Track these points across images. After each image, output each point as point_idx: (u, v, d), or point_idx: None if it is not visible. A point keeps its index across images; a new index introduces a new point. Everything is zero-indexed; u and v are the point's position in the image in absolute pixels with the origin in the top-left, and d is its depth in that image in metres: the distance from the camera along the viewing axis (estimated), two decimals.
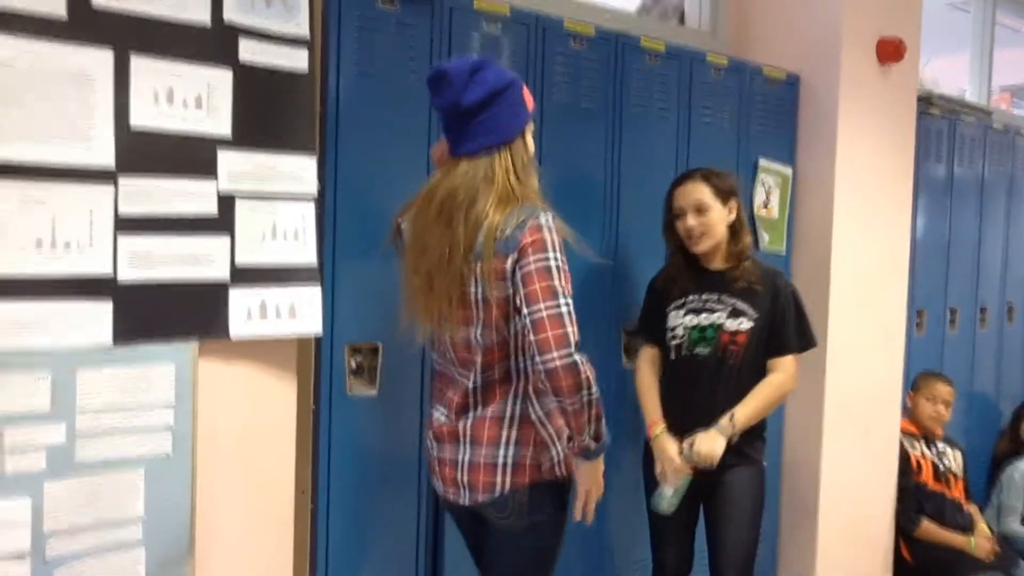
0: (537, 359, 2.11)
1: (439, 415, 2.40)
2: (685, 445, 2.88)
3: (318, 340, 2.48)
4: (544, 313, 2.11)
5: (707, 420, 2.90)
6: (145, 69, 2.07)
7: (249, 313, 2.28)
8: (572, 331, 2.12)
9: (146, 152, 2.08)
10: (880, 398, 4.09)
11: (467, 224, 2.21)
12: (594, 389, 2.15)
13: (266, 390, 2.39)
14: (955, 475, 4.31)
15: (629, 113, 3.17)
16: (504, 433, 2.29)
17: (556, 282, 2.14)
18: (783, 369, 3.00)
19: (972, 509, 4.39)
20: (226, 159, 2.22)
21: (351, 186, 2.50)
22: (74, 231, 1.99)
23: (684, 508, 2.93)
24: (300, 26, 2.33)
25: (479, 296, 2.23)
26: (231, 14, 2.20)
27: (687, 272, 3.02)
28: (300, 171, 2.35)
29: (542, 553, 2.37)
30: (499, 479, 2.29)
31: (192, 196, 2.17)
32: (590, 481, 2.34)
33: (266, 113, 2.29)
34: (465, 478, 2.32)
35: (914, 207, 4.28)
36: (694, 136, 3.40)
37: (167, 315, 2.14)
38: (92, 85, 2.00)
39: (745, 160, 3.60)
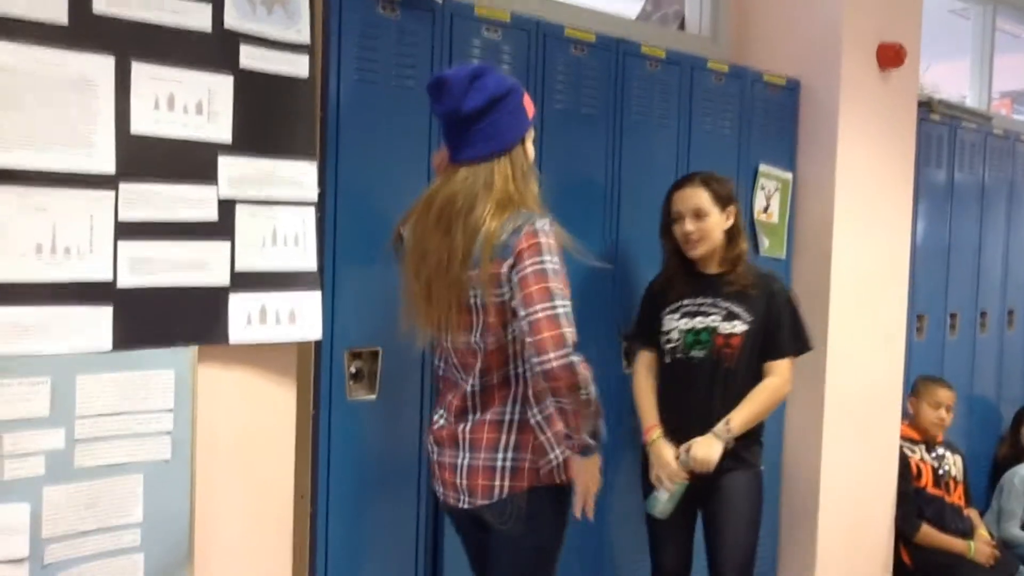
0: (534, 360, 2.11)
1: (439, 419, 2.42)
2: (681, 451, 2.89)
3: (318, 345, 2.48)
4: (540, 315, 2.11)
5: (703, 423, 2.91)
6: (146, 75, 2.08)
7: (249, 318, 2.28)
8: (569, 332, 2.12)
9: (147, 158, 2.09)
10: (880, 402, 4.09)
11: (465, 231, 2.22)
12: (591, 388, 2.16)
13: (265, 395, 2.40)
14: (955, 480, 4.30)
15: (630, 119, 3.18)
16: (503, 437, 2.30)
17: (552, 284, 2.14)
18: (778, 373, 3.01)
19: (972, 514, 4.39)
20: (226, 164, 2.22)
21: (351, 191, 2.50)
22: (74, 236, 1.99)
23: (682, 511, 2.94)
24: (301, 32, 2.34)
25: (478, 302, 2.24)
26: (232, 20, 2.21)
27: (682, 276, 3.03)
28: (300, 176, 2.36)
29: (542, 556, 2.37)
30: (498, 483, 2.29)
31: (192, 201, 2.17)
32: (588, 477, 2.33)
33: (267, 119, 2.29)
34: (464, 482, 2.33)
35: (914, 212, 4.28)
36: (695, 142, 3.41)
37: (167, 320, 2.15)
38: (93, 91, 2.01)
39: (745, 165, 3.60)
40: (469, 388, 2.33)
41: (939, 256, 4.62)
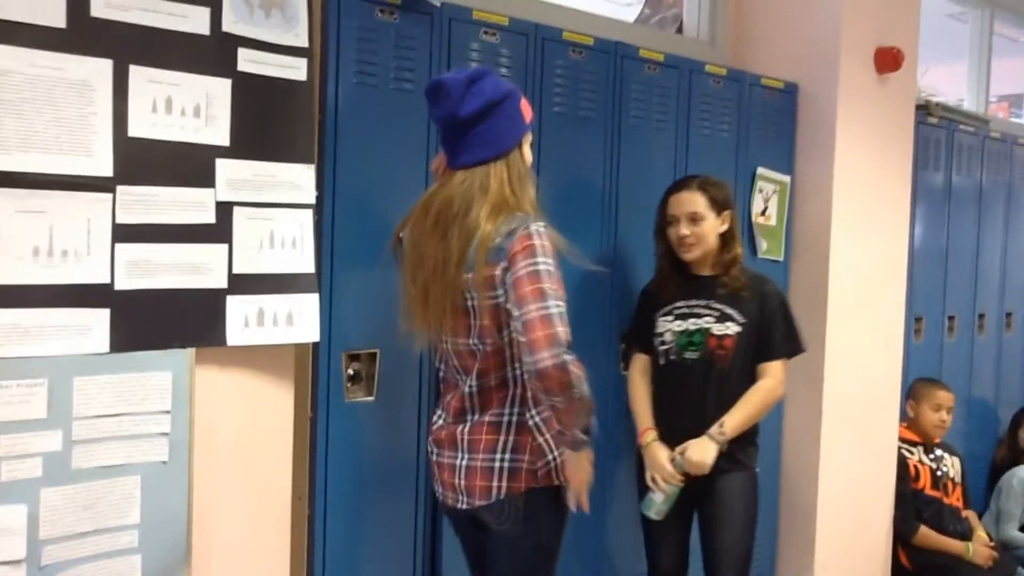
0: (527, 359, 2.12)
1: (438, 419, 2.43)
2: (676, 453, 2.91)
3: (316, 347, 2.48)
4: (534, 314, 2.11)
5: (697, 424, 2.93)
6: (144, 78, 2.09)
7: (246, 321, 2.29)
8: (562, 331, 2.11)
9: (144, 161, 2.10)
10: (878, 404, 4.09)
11: (461, 234, 2.23)
12: (584, 387, 2.15)
13: (263, 397, 2.40)
14: (953, 481, 4.31)
15: (628, 123, 3.18)
16: (501, 439, 2.31)
17: (546, 285, 2.14)
18: (772, 375, 3.02)
19: (970, 515, 4.40)
20: (224, 168, 2.23)
21: (349, 195, 2.51)
22: (72, 239, 2.00)
23: (677, 512, 2.95)
24: (299, 36, 2.34)
25: (474, 305, 2.24)
26: (230, 24, 2.22)
27: (675, 278, 3.05)
28: (298, 180, 2.36)
29: (540, 558, 2.37)
30: (495, 484, 2.30)
31: (190, 204, 2.18)
32: (580, 471, 2.32)
33: (265, 122, 2.30)
34: (462, 483, 2.34)
35: (912, 215, 4.29)
36: (693, 146, 3.41)
37: (164, 323, 2.16)
38: (91, 94, 2.01)
39: (744, 169, 3.61)
40: (467, 389, 2.34)
41: (937, 258, 4.62)
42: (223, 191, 2.23)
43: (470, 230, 2.22)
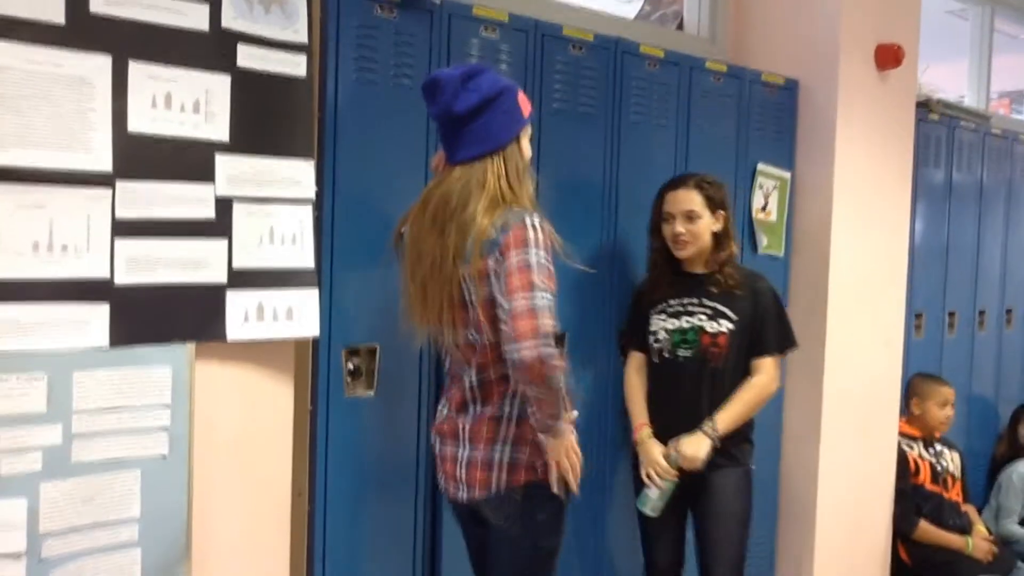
0: (508, 347, 2.13)
1: (442, 411, 2.45)
2: (670, 448, 2.92)
3: (315, 342, 2.49)
4: (520, 305, 2.12)
5: (692, 422, 2.94)
6: (143, 75, 2.10)
7: (246, 316, 2.29)
8: (546, 323, 2.12)
9: (144, 156, 2.10)
10: (879, 400, 4.09)
11: (458, 229, 2.23)
12: (560, 380, 2.16)
13: (263, 392, 2.41)
14: (953, 476, 4.31)
15: (628, 119, 3.18)
16: (501, 432, 2.32)
17: (535, 277, 2.15)
18: (765, 371, 3.03)
19: (970, 510, 4.40)
20: (224, 163, 2.24)
21: (349, 190, 2.51)
22: (72, 235, 2.01)
23: (673, 508, 2.96)
24: (298, 32, 2.35)
25: (471, 298, 2.25)
26: (230, 20, 2.22)
27: (668, 276, 3.06)
28: (298, 175, 2.37)
29: (540, 553, 2.38)
30: (494, 477, 2.31)
31: (190, 200, 2.19)
32: (560, 453, 2.30)
33: (264, 118, 2.31)
34: (463, 474, 2.35)
35: (913, 212, 4.29)
36: (693, 142, 3.41)
37: (164, 318, 2.16)
38: (90, 90, 2.02)
39: (744, 165, 3.60)
40: (468, 382, 2.36)
41: (937, 255, 4.62)
42: (223, 186, 2.24)
43: (467, 225, 2.23)
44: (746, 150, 3.61)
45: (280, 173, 2.33)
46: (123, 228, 2.08)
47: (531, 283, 2.14)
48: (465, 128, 2.27)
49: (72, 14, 1.98)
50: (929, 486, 4.24)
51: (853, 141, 3.81)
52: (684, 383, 3.00)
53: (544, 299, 2.14)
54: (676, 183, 3.02)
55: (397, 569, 2.72)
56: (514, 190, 2.28)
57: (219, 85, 2.21)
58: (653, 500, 2.91)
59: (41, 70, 1.95)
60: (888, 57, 3.87)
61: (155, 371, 2.16)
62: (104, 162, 2.04)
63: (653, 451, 2.95)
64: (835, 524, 3.91)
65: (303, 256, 2.38)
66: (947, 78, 5.59)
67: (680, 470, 2.91)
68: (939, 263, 4.64)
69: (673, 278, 3.06)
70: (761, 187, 3.66)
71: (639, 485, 3.01)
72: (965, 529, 4.24)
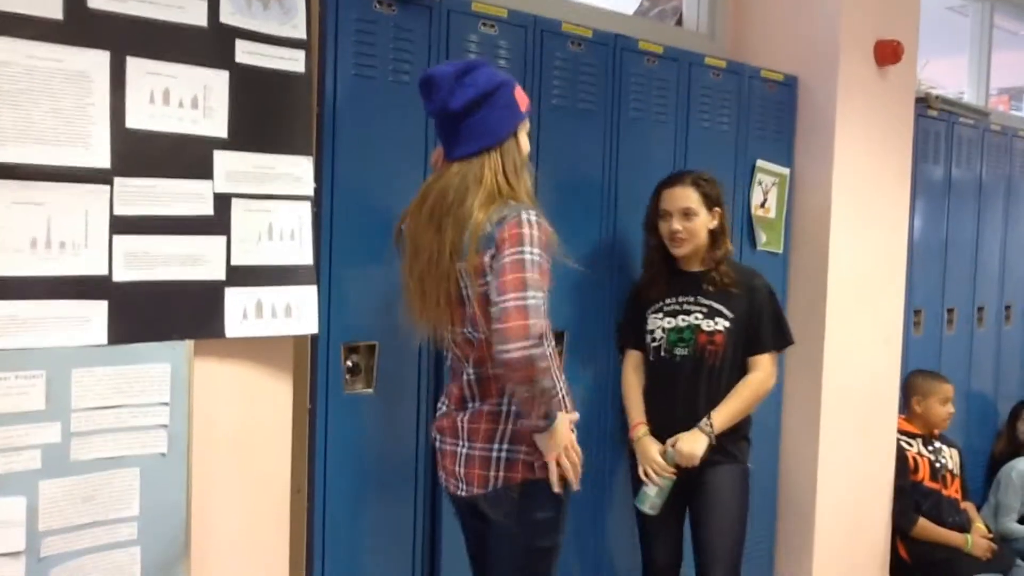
0: (497, 348, 2.12)
1: (442, 407, 2.46)
2: (668, 445, 2.93)
3: (314, 339, 2.48)
4: (510, 304, 2.12)
5: (689, 420, 2.95)
6: (141, 70, 2.08)
7: (245, 313, 2.29)
8: (535, 323, 2.11)
9: (142, 152, 2.09)
10: (878, 398, 4.09)
11: (455, 225, 2.23)
12: (547, 381, 2.16)
13: (262, 389, 2.40)
14: (952, 473, 4.32)
15: (627, 115, 3.18)
16: (499, 428, 2.32)
17: (527, 275, 2.14)
18: (761, 368, 3.04)
19: (969, 507, 4.40)
20: (222, 160, 2.23)
21: (348, 187, 2.50)
22: (70, 231, 2.00)
23: (671, 506, 2.97)
24: (297, 28, 2.34)
25: (468, 293, 2.25)
26: (228, 16, 2.21)
27: (665, 275, 3.06)
28: (296, 172, 2.36)
29: (538, 553, 2.38)
30: (492, 474, 2.31)
31: (188, 196, 2.18)
32: (553, 449, 2.29)
33: (263, 114, 2.30)
34: (462, 470, 2.36)
35: (912, 208, 4.29)
36: (692, 138, 3.41)
37: (162, 315, 2.15)
38: (88, 86, 2.01)
39: (743, 161, 3.60)
40: (466, 378, 2.36)
41: (936, 251, 4.62)
42: (221, 183, 2.23)
43: (464, 220, 2.22)
44: (745, 146, 3.61)
45: (279, 169, 2.33)
46: (121, 225, 2.07)
47: (523, 282, 2.13)
48: (462, 124, 2.26)
49: (70, 10, 1.97)
50: (928, 483, 4.24)
51: (852, 137, 3.81)
52: (681, 381, 3.00)
53: (536, 298, 2.13)
54: (672, 180, 3.02)
55: (397, 565, 2.72)
56: (512, 185, 2.28)
57: (217, 81, 2.20)
58: (651, 498, 2.92)
59: (40, 65, 1.94)
60: (887, 53, 3.87)
61: (154, 368, 2.15)
62: (102, 158, 2.03)
63: (650, 449, 2.95)
64: (834, 521, 3.91)
65: (302, 253, 2.37)
66: (946, 74, 5.59)
67: (678, 467, 2.91)
68: (938, 259, 4.64)
69: (669, 276, 3.06)
70: (760, 183, 3.66)
71: (637, 484, 3.01)
72: (964, 526, 4.24)
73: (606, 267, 3.14)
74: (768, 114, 3.70)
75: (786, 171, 3.75)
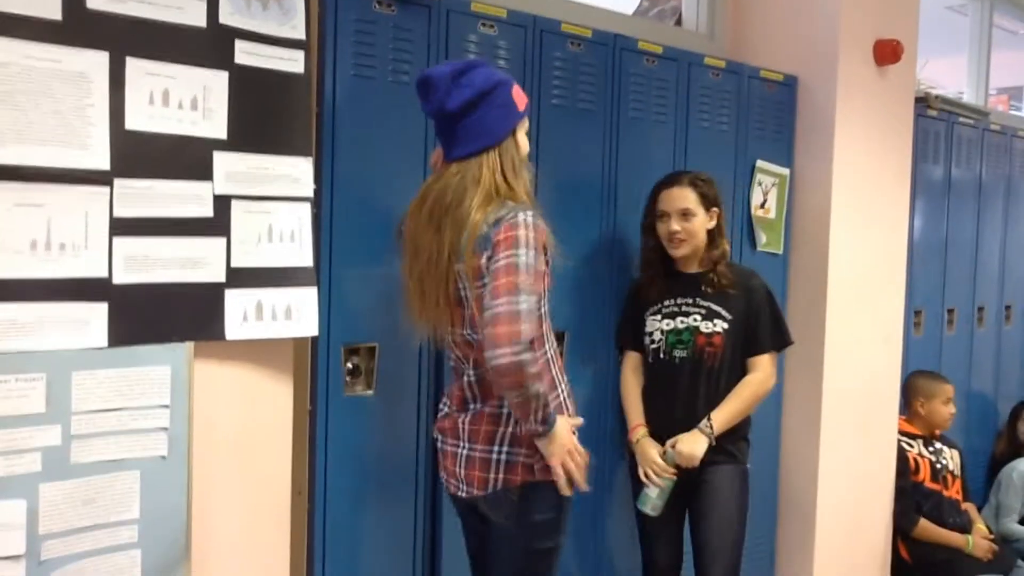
0: (487, 353, 2.12)
1: (444, 408, 2.46)
2: (667, 446, 2.93)
3: (315, 341, 2.48)
4: (501, 309, 2.11)
5: (689, 421, 2.95)
6: (140, 71, 2.08)
7: (245, 315, 2.28)
8: (525, 328, 2.10)
9: (141, 154, 2.09)
10: (878, 398, 4.09)
11: (453, 225, 2.23)
12: (538, 386, 2.15)
13: (262, 391, 2.40)
14: (952, 474, 4.31)
15: (626, 115, 3.17)
16: (499, 430, 2.32)
17: (519, 278, 2.13)
18: (760, 368, 3.04)
19: (970, 508, 4.40)
20: (222, 161, 2.22)
21: (348, 188, 2.50)
22: (69, 233, 1.99)
23: (671, 508, 2.97)
24: (296, 28, 2.33)
25: (466, 295, 2.25)
26: (227, 17, 2.21)
27: (663, 276, 3.06)
28: (296, 173, 2.35)
29: (538, 554, 2.37)
30: (492, 475, 2.31)
31: (188, 198, 2.17)
32: (555, 454, 2.29)
33: (262, 115, 2.29)
34: (462, 471, 2.36)
35: (912, 208, 4.29)
36: (692, 138, 3.40)
37: (162, 317, 2.15)
38: (88, 87, 2.00)
39: (743, 161, 3.60)
40: (467, 379, 2.36)
41: (936, 251, 4.62)
42: (221, 184, 2.22)
43: (462, 220, 2.22)
44: (745, 146, 3.60)
45: (278, 170, 2.32)
46: (121, 226, 2.06)
47: (515, 286, 2.12)
48: (459, 125, 2.26)
49: (69, 10, 1.96)
50: (929, 484, 4.24)
51: (852, 137, 3.81)
52: (680, 383, 3.00)
53: (527, 303, 2.12)
54: (670, 181, 3.02)
55: (397, 568, 2.71)
56: (510, 184, 2.28)
57: (217, 82, 2.20)
58: (653, 499, 2.92)
59: (39, 66, 1.93)
60: (887, 53, 3.87)
61: (154, 371, 2.15)
62: (102, 160, 2.02)
63: (650, 451, 2.95)
64: (835, 522, 3.90)
65: (302, 254, 2.37)
66: (946, 74, 5.60)
67: (678, 468, 2.91)
68: (938, 259, 4.64)
69: (667, 278, 3.06)
70: (760, 184, 3.65)
71: (637, 485, 3.02)
72: (965, 527, 4.24)
73: (606, 267, 3.14)
74: (768, 114, 3.70)
75: (786, 171, 3.75)
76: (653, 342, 3.04)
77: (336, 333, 2.51)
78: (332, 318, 2.49)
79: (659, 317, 3.04)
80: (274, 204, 2.32)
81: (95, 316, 2.04)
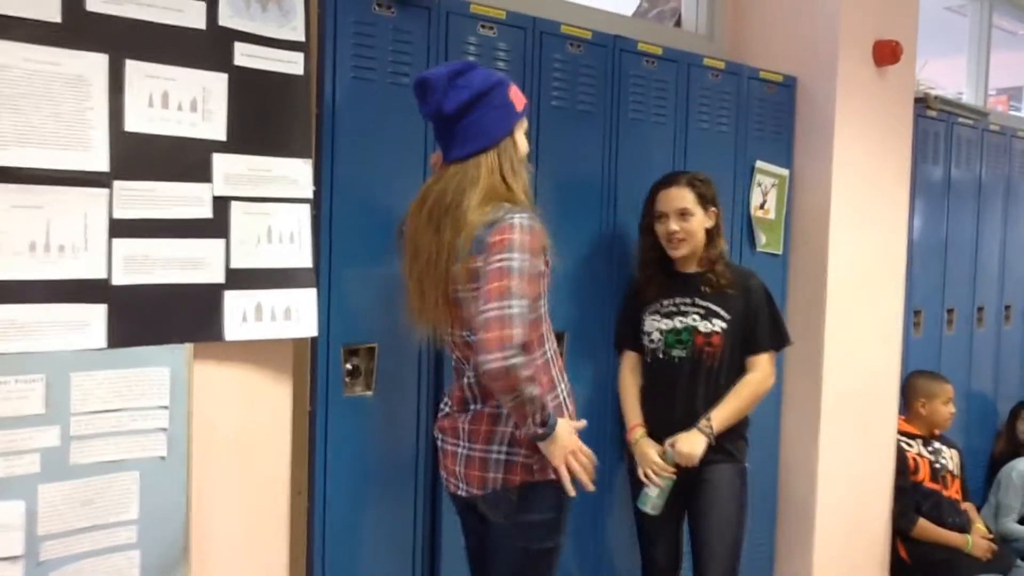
0: (478, 358, 2.11)
1: (444, 407, 2.46)
2: (667, 446, 2.93)
3: (314, 342, 2.48)
4: (492, 313, 2.10)
5: (687, 421, 2.95)
6: (140, 73, 2.08)
7: (244, 315, 2.28)
8: (516, 332, 2.09)
9: (141, 155, 2.09)
10: (878, 398, 4.09)
11: (452, 226, 2.23)
12: (532, 389, 2.15)
13: (261, 392, 2.40)
14: (952, 474, 4.31)
15: (626, 116, 3.17)
16: (498, 430, 2.32)
17: (512, 282, 2.12)
18: (759, 368, 3.04)
19: (969, 508, 4.40)
20: (221, 162, 2.22)
21: (347, 189, 2.50)
22: (69, 234, 2.00)
23: (671, 507, 2.97)
24: (296, 30, 2.34)
25: (461, 296, 2.25)
26: (227, 19, 2.21)
27: (661, 276, 3.06)
28: (295, 174, 2.36)
29: (537, 554, 2.37)
30: (491, 475, 2.32)
31: (187, 199, 2.17)
32: (557, 455, 2.28)
33: (261, 116, 2.29)
34: (462, 471, 2.36)
35: (911, 208, 4.29)
36: (691, 139, 3.40)
37: (162, 318, 2.15)
38: (87, 89, 2.01)
39: (742, 162, 3.60)
40: (467, 380, 2.36)
41: (936, 252, 4.62)
42: (220, 186, 2.22)
43: (460, 222, 2.22)
44: (744, 147, 3.60)
45: (278, 172, 2.32)
46: (120, 228, 2.07)
47: (506, 290, 2.12)
48: (457, 126, 2.26)
49: (68, 12, 1.97)
50: (928, 484, 4.24)
51: (851, 138, 3.81)
52: (679, 383, 3.00)
53: (519, 307, 2.11)
54: (668, 181, 3.02)
55: (397, 568, 2.72)
56: (509, 185, 2.28)
57: (216, 84, 2.20)
58: (653, 499, 2.92)
59: (38, 69, 1.94)
60: (886, 53, 3.87)
61: (153, 372, 2.15)
62: (101, 161, 2.03)
63: (649, 451, 2.95)
64: (834, 522, 3.90)
65: (301, 255, 2.37)
66: (945, 74, 5.59)
67: (677, 467, 2.91)
68: (938, 260, 4.64)
69: (665, 278, 3.06)
70: (759, 185, 3.65)
71: (635, 486, 3.02)
72: (964, 527, 4.24)
73: (606, 268, 3.14)
74: (767, 115, 3.70)
75: (785, 172, 3.75)
76: (652, 342, 3.05)
77: (336, 334, 2.51)
78: (332, 319, 2.49)
79: (658, 317, 3.04)
80: (273, 205, 2.32)
81: (94, 317, 2.04)
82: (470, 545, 2.56)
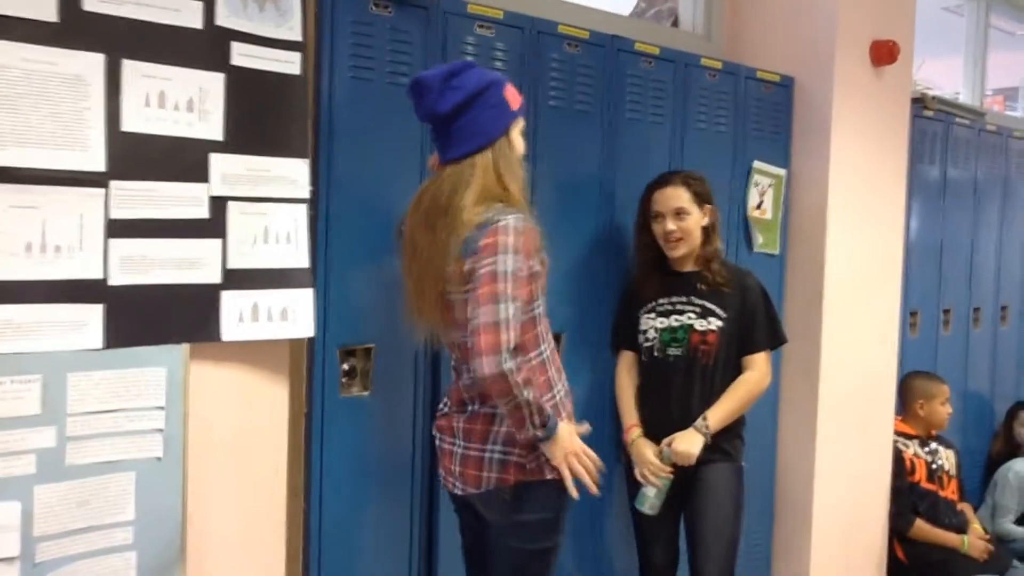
0: (471, 363, 2.13)
1: (443, 407, 2.46)
2: (663, 445, 2.93)
3: (311, 342, 2.47)
4: (482, 319, 2.11)
5: (684, 420, 2.96)
6: (137, 73, 2.08)
7: (241, 316, 2.28)
8: (507, 337, 2.10)
9: (138, 155, 2.09)
10: (875, 398, 4.09)
11: (447, 227, 2.23)
12: (525, 392, 2.15)
13: (258, 393, 2.40)
14: (948, 474, 4.32)
15: (623, 116, 3.17)
16: (493, 430, 2.32)
17: (501, 286, 2.13)
18: (756, 367, 3.04)
19: (966, 508, 4.40)
20: (218, 162, 2.22)
21: (344, 189, 2.50)
22: (65, 235, 1.99)
23: (668, 507, 2.97)
24: (293, 30, 2.33)
25: (454, 298, 2.25)
26: (224, 18, 2.21)
27: (657, 275, 3.06)
28: (293, 174, 2.35)
29: (534, 554, 2.37)
30: (486, 474, 2.32)
31: (184, 199, 2.17)
32: (558, 455, 2.29)
33: (259, 117, 2.29)
34: (458, 469, 2.37)
35: (908, 208, 4.28)
36: (688, 139, 3.40)
37: (158, 318, 2.15)
38: (84, 89, 2.00)
39: (739, 162, 3.60)
40: (463, 381, 2.36)
41: (932, 252, 4.62)
42: (217, 186, 2.22)
43: (454, 222, 2.21)
44: (742, 147, 3.60)
45: (275, 172, 2.32)
46: (117, 228, 2.07)
47: (497, 294, 2.12)
48: (452, 127, 2.26)
49: (65, 12, 1.97)
50: (925, 484, 4.24)
51: (848, 138, 3.81)
52: (675, 381, 3.00)
53: (509, 310, 2.12)
54: (663, 181, 3.02)
55: (393, 569, 2.71)
56: (505, 184, 2.27)
57: (213, 83, 2.20)
58: (651, 499, 2.92)
59: (35, 69, 1.93)
60: (883, 53, 3.87)
61: (150, 372, 2.15)
62: (98, 161, 2.02)
63: (645, 451, 2.96)
64: (831, 522, 3.91)
65: (298, 256, 2.37)
66: (942, 74, 5.60)
67: (674, 466, 2.91)
68: (934, 260, 4.64)
69: (662, 276, 3.06)
70: (756, 185, 3.65)
71: (633, 486, 3.02)
72: (961, 527, 4.25)
73: (603, 268, 3.14)
74: (764, 115, 3.69)
75: (782, 172, 3.75)
76: (647, 340, 3.04)
77: (332, 334, 2.51)
78: (328, 319, 2.49)
79: (653, 315, 3.04)
80: (270, 205, 2.32)
81: (91, 317, 2.04)
82: (466, 542, 2.57)
